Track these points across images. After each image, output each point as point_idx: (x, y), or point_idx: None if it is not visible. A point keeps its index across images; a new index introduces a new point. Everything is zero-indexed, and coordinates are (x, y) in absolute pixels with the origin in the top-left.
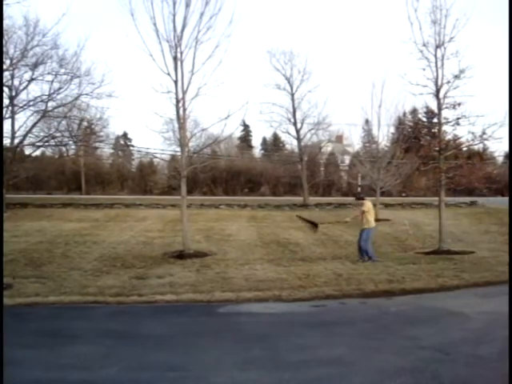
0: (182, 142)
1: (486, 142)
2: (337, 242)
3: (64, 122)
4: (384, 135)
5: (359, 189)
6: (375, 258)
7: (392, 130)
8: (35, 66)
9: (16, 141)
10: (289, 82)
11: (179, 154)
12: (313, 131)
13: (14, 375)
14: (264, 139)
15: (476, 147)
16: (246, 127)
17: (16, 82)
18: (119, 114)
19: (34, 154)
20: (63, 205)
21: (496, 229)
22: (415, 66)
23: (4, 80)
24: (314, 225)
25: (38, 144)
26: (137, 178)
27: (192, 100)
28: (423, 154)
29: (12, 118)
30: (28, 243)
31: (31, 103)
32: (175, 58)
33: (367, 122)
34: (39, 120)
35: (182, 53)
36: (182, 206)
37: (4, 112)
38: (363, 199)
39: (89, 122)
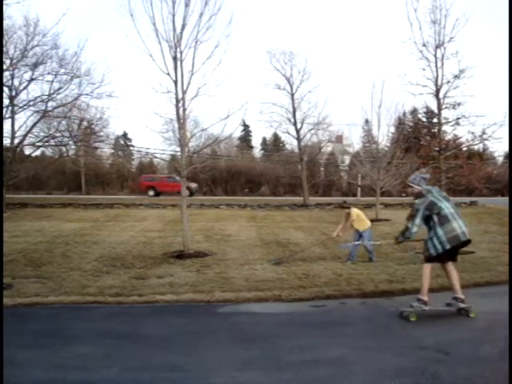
0: (182, 142)
1: (486, 141)
2: (337, 242)
3: (64, 122)
4: (384, 135)
5: (359, 189)
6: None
7: (392, 130)
8: (35, 65)
9: (16, 141)
10: (289, 82)
11: (179, 154)
12: (313, 131)
13: (14, 375)
14: (264, 139)
15: (476, 147)
16: (245, 127)
17: (16, 82)
18: (119, 113)
19: (34, 154)
20: (63, 205)
21: (496, 229)
22: (415, 66)
23: (4, 80)
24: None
25: (38, 144)
26: (137, 178)
27: (192, 100)
28: (423, 153)
29: (12, 117)
30: (28, 243)
31: (31, 103)
32: (175, 58)
33: (367, 122)
34: (39, 120)
35: (181, 53)
36: (182, 206)
37: (4, 112)
38: (349, 208)
39: (89, 122)
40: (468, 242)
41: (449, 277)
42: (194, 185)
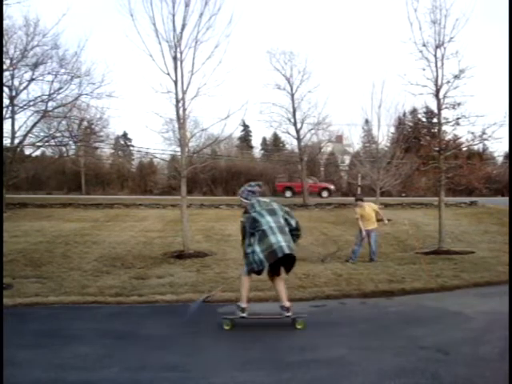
0: (182, 142)
1: (485, 142)
2: (337, 242)
3: (64, 122)
4: (384, 135)
5: (359, 189)
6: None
7: (392, 130)
8: (35, 66)
9: (16, 141)
10: (289, 82)
11: (179, 154)
12: (313, 131)
13: (14, 375)
14: (264, 139)
15: (476, 147)
16: (245, 127)
17: (16, 82)
18: (119, 113)
19: (34, 154)
20: (63, 205)
21: (496, 229)
22: (415, 66)
23: (4, 80)
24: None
25: (38, 144)
26: (137, 178)
27: (192, 100)
28: (423, 154)
29: (12, 118)
30: (28, 243)
31: (31, 103)
32: (175, 58)
33: (367, 122)
34: (39, 120)
35: (181, 53)
36: (182, 206)
37: (4, 112)
38: (362, 200)
39: (89, 122)
40: (290, 256)
41: (274, 287)
42: (331, 186)
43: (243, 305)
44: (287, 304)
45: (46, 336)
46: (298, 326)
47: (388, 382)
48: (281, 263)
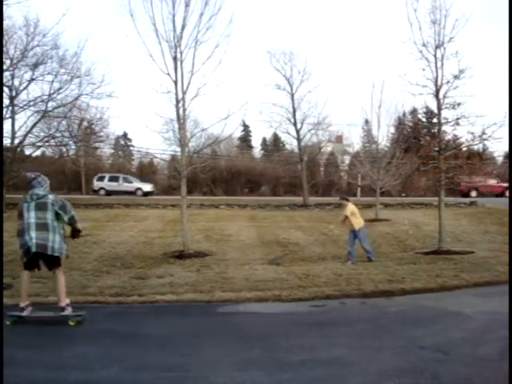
0: (182, 142)
1: (485, 142)
2: (336, 241)
3: (64, 122)
4: (384, 135)
5: (359, 189)
6: (374, 258)
7: (392, 130)
8: (35, 66)
9: (16, 141)
10: (289, 83)
11: (179, 154)
12: (313, 131)
13: (14, 375)
14: (264, 139)
15: (476, 147)
16: (245, 127)
17: (16, 82)
18: (119, 114)
19: (34, 154)
20: None
21: (496, 229)
22: (415, 67)
23: (4, 80)
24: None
25: (38, 144)
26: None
27: (192, 100)
28: (423, 154)
29: (12, 118)
30: None
31: (31, 103)
32: (175, 59)
33: (367, 122)
34: (39, 120)
35: (181, 53)
36: (182, 206)
37: (4, 112)
38: (347, 200)
39: (89, 122)
40: (49, 254)
41: (54, 283)
42: None
43: (22, 304)
44: (63, 304)
45: (46, 336)
46: (71, 323)
47: (387, 382)
48: (42, 258)
